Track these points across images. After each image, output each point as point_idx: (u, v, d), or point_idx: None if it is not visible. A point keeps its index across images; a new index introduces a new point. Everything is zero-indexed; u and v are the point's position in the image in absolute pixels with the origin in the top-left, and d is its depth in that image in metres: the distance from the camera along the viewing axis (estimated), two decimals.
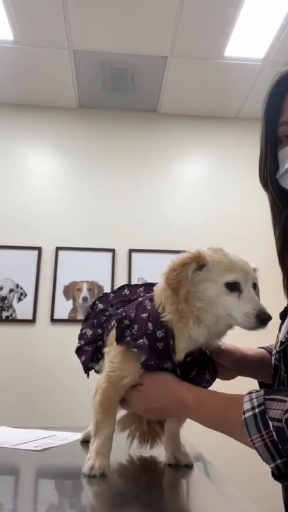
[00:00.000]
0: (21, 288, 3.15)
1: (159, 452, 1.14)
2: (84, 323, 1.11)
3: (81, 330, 1.10)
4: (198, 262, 0.89)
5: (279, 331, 0.93)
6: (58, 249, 3.24)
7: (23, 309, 3.12)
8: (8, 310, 3.11)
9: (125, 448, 1.09)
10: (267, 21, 2.65)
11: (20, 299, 3.14)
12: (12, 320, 3.10)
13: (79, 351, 1.06)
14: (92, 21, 2.68)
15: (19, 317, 3.11)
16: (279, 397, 0.69)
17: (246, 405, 0.71)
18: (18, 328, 3.09)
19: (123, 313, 0.96)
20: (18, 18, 2.67)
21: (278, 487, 0.81)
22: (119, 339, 0.92)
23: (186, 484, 0.94)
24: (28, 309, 3.11)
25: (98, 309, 1.11)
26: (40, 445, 1.18)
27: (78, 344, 1.07)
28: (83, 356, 1.05)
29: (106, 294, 1.13)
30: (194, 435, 1.22)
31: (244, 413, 0.70)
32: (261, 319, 0.83)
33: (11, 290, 3.14)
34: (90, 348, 1.04)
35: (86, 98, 3.47)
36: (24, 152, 3.46)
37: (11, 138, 3.46)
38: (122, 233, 3.32)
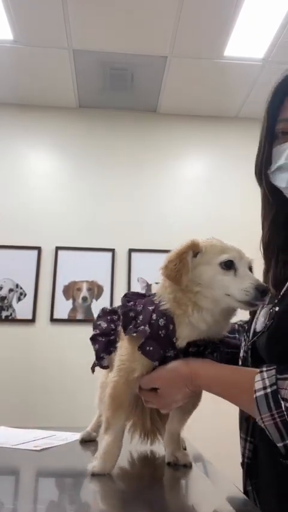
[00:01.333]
0: (21, 288, 3.15)
1: (159, 452, 1.14)
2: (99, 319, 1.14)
3: (95, 322, 1.12)
4: (194, 250, 0.91)
5: (250, 324, 0.95)
6: (58, 248, 3.24)
7: (22, 309, 3.12)
8: (7, 310, 3.11)
9: (125, 446, 1.09)
10: (267, 21, 2.65)
11: (19, 299, 3.14)
12: (11, 320, 3.10)
13: (93, 339, 1.07)
14: (91, 21, 2.68)
15: (19, 317, 3.11)
16: None
17: (258, 385, 0.72)
18: (17, 328, 3.09)
19: (131, 306, 0.98)
20: (18, 18, 2.67)
21: None
22: (124, 329, 0.95)
23: (186, 483, 0.94)
24: (28, 308, 3.12)
25: (108, 310, 1.14)
26: (40, 445, 1.18)
27: (93, 332, 1.08)
28: (97, 345, 1.06)
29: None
30: (194, 435, 1.22)
31: (255, 392, 0.72)
32: (261, 290, 0.83)
33: (11, 290, 3.14)
34: (103, 339, 1.06)
35: (85, 98, 3.47)
36: (24, 152, 3.46)
37: (11, 138, 3.46)
38: (122, 233, 3.32)
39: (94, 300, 3.18)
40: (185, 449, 1.07)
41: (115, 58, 3.01)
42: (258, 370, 0.75)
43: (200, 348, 0.92)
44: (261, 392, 0.71)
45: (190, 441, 1.19)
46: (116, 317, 1.10)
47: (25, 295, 3.15)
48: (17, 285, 3.16)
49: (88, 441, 1.25)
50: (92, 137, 3.55)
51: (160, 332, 0.90)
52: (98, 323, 1.10)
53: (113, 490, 0.86)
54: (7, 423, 1.50)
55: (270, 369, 0.74)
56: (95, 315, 3.26)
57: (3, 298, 3.13)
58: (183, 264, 0.88)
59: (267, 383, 0.72)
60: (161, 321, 0.90)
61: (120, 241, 3.28)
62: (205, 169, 3.55)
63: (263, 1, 2.52)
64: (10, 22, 2.70)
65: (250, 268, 0.91)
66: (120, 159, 3.51)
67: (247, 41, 2.83)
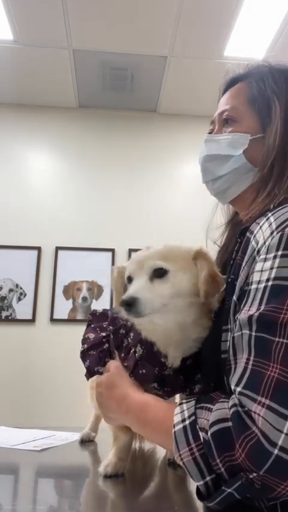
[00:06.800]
0: (21, 288, 3.15)
1: (160, 453, 1.14)
2: (87, 329, 1.09)
3: (84, 335, 1.07)
4: (123, 272, 0.88)
5: None
6: (58, 248, 3.24)
7: (22, 309, 3.12)
8: (7, 310, 3.11)
9: None
10: (267, 21, 2.65)
11: (19, 299, 3.14)
12: (11, 320, 3.10)
13: (84, 356, 1.03)
14: (91, 21, 2.68)
15: (19, 317, 3.10)
16: (206, 405, 0.64)
17: (177, 418, 0.65)
18: (17, 328, 3.09)
19: (121, 321, 0.95)
20: (18, 18, 2.67)
21: None
22: (118, 348, 0.92)
23: (186, 484, 0.94)
24: (28, 309, 3.12)
25: (97, 314, 1.10)
26: (39, 445, 1.18)
27: (82, 348, 1.03)
28: (88, 361, 1.01)
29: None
30: None
31: (174, 426, 0.64)
32: (121, 304, 0.77)
33: (11, 290, 3.14)
34: (95, 352, 1.01)
35: (85, 97, 3.47)
36: (24, 152, 3.46)
37: (11, 138, 3.46)
38: (122, 233, 3.32)
39: (94, 300, 3.17)
40: None
41: (115, 58, 3.00)
42: (178, 403, 0.69)
43: (198, 359, 0.87)
44: (180, 426, 0.63)
45: None
46: (106, 324, 1.05)
47: (25, 295, 3.15)
48: (17, 285, 3.16)
49: (88, 441, 1.25)
50: (92, 137, 3.54)
51: (154, 349, 0.85)
52: (86, 336, 1.05)
53: (113, 491, 0.86)
54: (7, 423, 1.50)
55: (190, 400, 0.67)
56: None
57: (3, 298, 3.13)
58: (114, 289, 0.88)
59: (186, 414, 0.64)
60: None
61: (120, 241, 3.28)
62: None
63: (263, 1, 2.52)
64: (10, 22, 2.70)
65: (161, 273, 0.81)
66: (120, 159, 3.51)
67: (247, 41, 2.82)
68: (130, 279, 0.83)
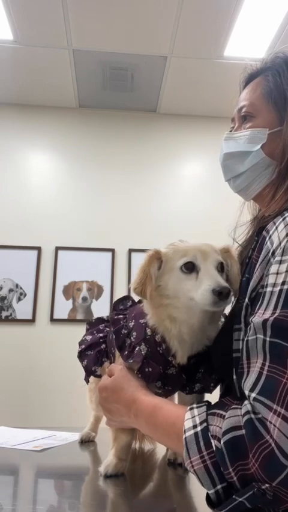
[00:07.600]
0: (21, 288, 3.15)
1: (160, 453, 1.14)
2: (84, 334, 1.12)
3: (82, 337, 1.10)
4: (158, 259, 0.86)
5: None
6: (58, 248, 3.24)
7: (22, 309, 3.12)
8: (7, 310, 3.11)
9: None
10: (267, 21, 2.65)
11: (19, 299, 3.13)
12: (11, 320, 3.10)
13: (81, 356, 1.05)
14: (91, 21, 2.68)
15: (19, 317, 3.10)
16: (218, 411, 0.63)
17: (188, 424, 0.64)
18: (17, 328, 3.09)
19: (121, 322, 0.95)
20: (18, 18, 2.67)
21: None
22: (120, 349, 0.92)
23: (186, 484, 0.94)
24: (28, 309, 3.12)
25: (93, 321, 1.12)
26: (39, 445, 1.18)
27: (79, 349, 1.05)
28: (85, 360, 1.03)
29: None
30: None
31: (185, 432, 0.63)
32: (217, 292, 0.75)
33: (11, 290, 3.14)
34: (92, 352, 1.03)
35: (85, 97, 3.47)
36: (24, 152, 3.46)
37: (11, 138, 3.46)
38: (122, 233, 3.32)
39: (94, 300, 3.17)
40: None
41: (115, 58, 3.00)
42: (188, 407, 0.67)
43: (200, 358, 0.88)
44: (191, 432, 0.62)
45: None
46: (103, 326, 1.07)
47: (25, 295, 3.15)
48: (17, 285, 3.16)
49: (88, 442, 1.25)
50: (92, 137, 3.54)
51: (159, 349, 0.86)
52: (84, 338, 1.08)
53: (113, 491, 0.86)
54: (7, 423, 1.50)
55: (201, 406, 0.66)
56: (95, 315, 3.29)
57: (3, 298, 3.13)
58: (146, 275, 0.83)
59: (198, 420, 0.63)
60: (158, 337, 0.86)
61: (120, 241, 3.28)
62: (205, 169, 3.55)
63: (263, 1, 2.52)
64: (10, 22, 2.70)
65: (221, 266, 0.83)
66: (119, 159, 3.51)
67: (247, 41, 2.82)
68: (191, 267, 0.81)
